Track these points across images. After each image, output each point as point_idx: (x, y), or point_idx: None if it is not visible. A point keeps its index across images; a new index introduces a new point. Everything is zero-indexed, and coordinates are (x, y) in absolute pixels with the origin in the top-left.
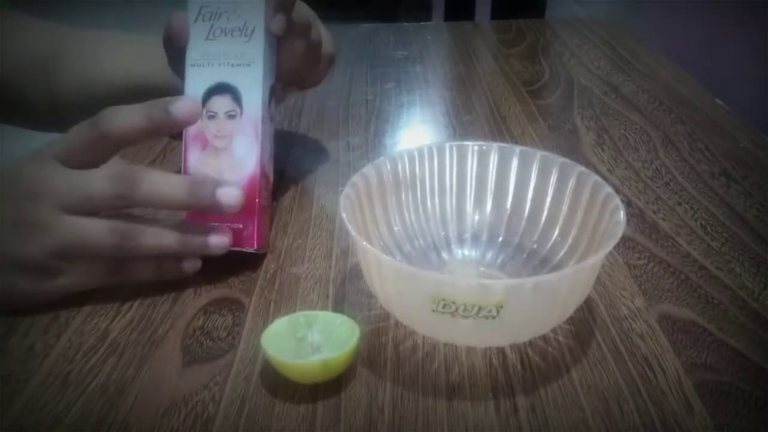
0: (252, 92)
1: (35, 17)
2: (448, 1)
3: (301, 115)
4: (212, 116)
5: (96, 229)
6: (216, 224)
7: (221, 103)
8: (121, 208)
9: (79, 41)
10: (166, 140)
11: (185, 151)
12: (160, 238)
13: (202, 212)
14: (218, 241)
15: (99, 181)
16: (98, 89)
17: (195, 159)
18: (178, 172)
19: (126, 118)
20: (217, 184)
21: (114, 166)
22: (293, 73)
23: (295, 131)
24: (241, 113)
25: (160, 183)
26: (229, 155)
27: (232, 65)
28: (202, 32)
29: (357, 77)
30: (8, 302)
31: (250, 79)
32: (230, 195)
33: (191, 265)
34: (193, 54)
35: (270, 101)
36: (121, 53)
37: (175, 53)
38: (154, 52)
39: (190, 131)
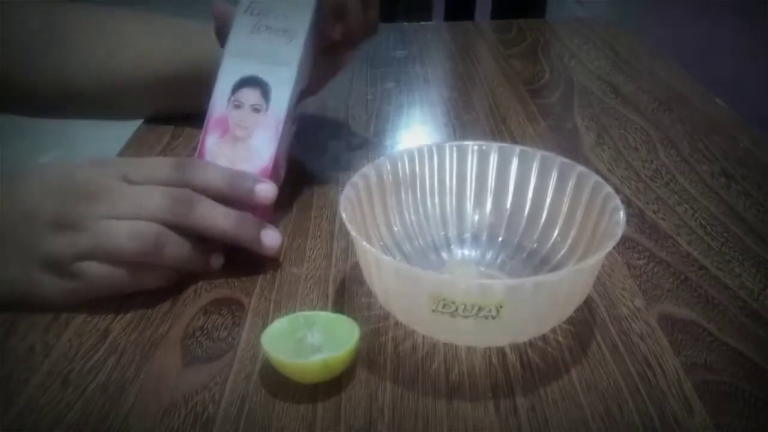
0: (281, 92)
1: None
2: (448, 1)
3: (301, 115)
4: (238, 106)
5: (123, 232)
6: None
7: (249, 96)
8: (170, 225)
9: (91, 20)
10: (168, 138)
11: (204, 134)
12: (181, 248)
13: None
14: (216, 262)
15: (155, 195)
16: (119, 76)
17: (212, 143)
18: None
19: (211, 176)
20: (263, 225)
21: (171, 188)
22: (357, 25)
23: (296, 131)
24: (267, 109)
25: (212, 212)
26: (246, 146)
27: (269, 63)
28: (247, 24)
29: (357, 77)
30: (27, 299)
31: (283, 80)
32: (273, 237)
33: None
34: (234, 43)
35: (297, 104)
36: (148, 38)
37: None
38: (187, 38)
39: (213, 116)
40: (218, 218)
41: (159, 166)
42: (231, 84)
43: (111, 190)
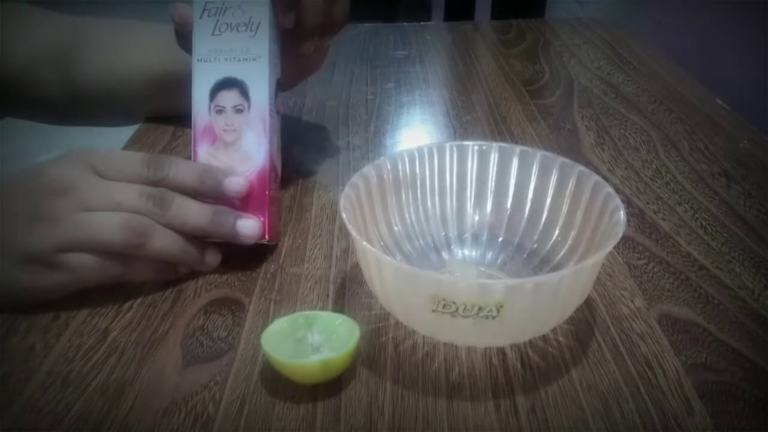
0: (259, 86)
1: (48, 9)
2: (448, 1)
3: (301, 115)
4: (220, 111)
5: (107, 224)
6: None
7: (229, 98)
8: None
9: (99, 32)
10: (168, 138)
11: (194, 145)
12: (168, 242)
13: (220, 238)
14: (212, 259)
15: (130, 193)
16: (119, 80)
17: (204, 153)
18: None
19: (181, 172)
20: (238, 216)
21: (145, 186)
22: (320, 16)
23: (295, 131)
24: (249, 107)
25: (186, 208)
26: (238, 149)
27: (239, 60)
28: (207, 28)
29: (357, 77)
30: (9, 297)
31: (257, 74)
32: (249, 227)
33: (184, 270)
34: (199, 50)
35: (276, 95)
36: (143, 43)
37: (190, 44)
38: (175, 41)
39: (198, 126)
40: (192, 214)
41: (129, 162)
42: (207, 90)
43: (82, 183)
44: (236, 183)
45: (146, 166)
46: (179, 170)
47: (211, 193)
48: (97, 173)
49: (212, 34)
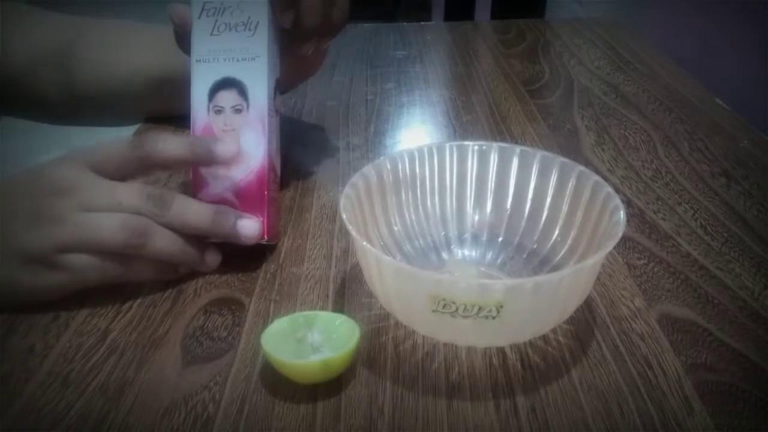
0: (258, 86)
1: (47, 9)
2: (448, 1)
3: (301, 115)
4: (219, 111)
5: (107, 224)
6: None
7: (228, 98)
8: None
9: (98, 32)
10: None
11: None
12: (168, 242)
13: (221, 238)
14: (212, 260)
15: (130, 194)
16: (118, 80)
17: None
18: None
19: (169, 145)
20: (239, 216)
21: (145, 185)
22: (319, 18)
23: (295, 131)
24: (248, 107)
25: (187, 208)
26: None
27: (237, 60)
28: (206, 28)
29: (357, 77)
30: (9, 297)
31: (256, 73)
32: (250, 227)
33: (184, 270)
34: (198, 50)
35: (275, 95)
36: (142, 43)
37: (188, 44)
38: (174, 42)
39: (197, 126)
40: (192, 214)
41: (118, 149)
42: (206, 91)
43: (83, 183)
44: (227, 148)
45: (133, 149)
46: (167, 144)
47: (202, 161)
48: (94, 170)
49: (211, 34)
